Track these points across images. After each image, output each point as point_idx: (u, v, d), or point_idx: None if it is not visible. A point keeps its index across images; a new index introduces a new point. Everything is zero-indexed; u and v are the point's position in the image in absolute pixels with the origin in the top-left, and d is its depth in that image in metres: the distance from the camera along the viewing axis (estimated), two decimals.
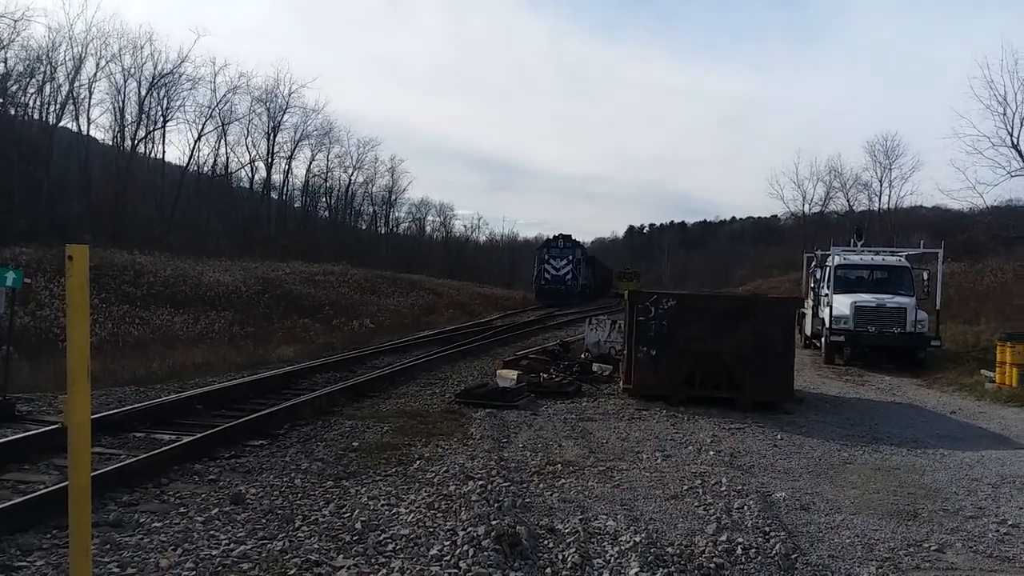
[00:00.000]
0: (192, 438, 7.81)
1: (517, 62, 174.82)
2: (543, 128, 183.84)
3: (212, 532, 5.45)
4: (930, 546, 5.70)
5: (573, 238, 47.70)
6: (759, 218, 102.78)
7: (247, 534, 5.45)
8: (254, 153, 52.77)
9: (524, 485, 6.90)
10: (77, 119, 41.00)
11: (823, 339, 19.01)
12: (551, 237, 48.11)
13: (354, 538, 5.39)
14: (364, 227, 73.96)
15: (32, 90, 37.72)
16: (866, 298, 18.21)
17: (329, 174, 62.11)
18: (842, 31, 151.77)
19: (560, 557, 5.17)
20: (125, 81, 42.09)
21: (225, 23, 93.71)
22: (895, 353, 18.01)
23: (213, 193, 49.48)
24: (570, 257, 45.90)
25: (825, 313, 18.76)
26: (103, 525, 5.46)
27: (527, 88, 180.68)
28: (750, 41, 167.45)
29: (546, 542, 5.44)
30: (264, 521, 5.75)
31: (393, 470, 7.27)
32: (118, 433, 8.38)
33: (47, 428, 7.83)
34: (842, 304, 18.19)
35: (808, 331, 22.13)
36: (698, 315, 11.59)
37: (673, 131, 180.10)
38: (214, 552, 5.07)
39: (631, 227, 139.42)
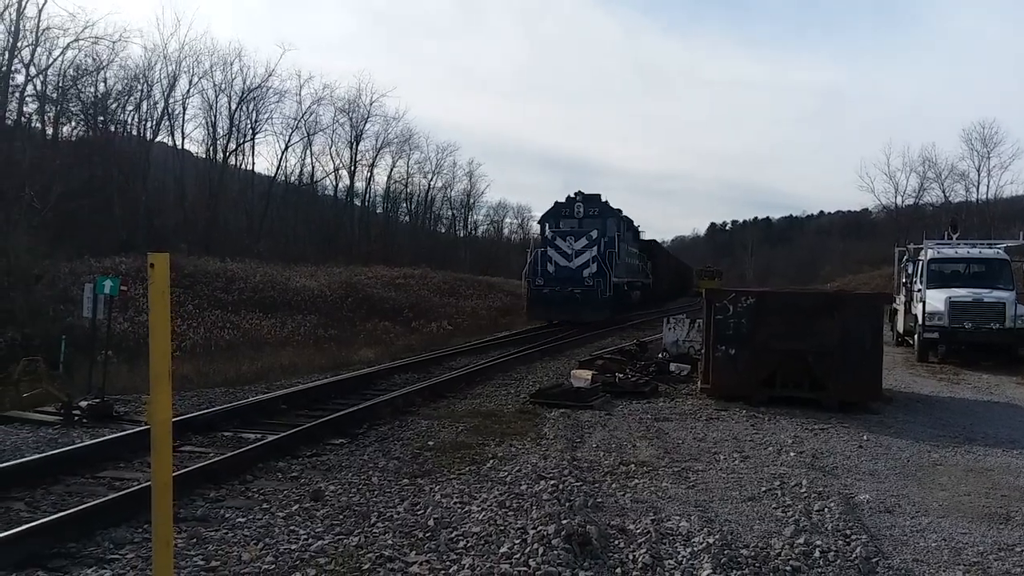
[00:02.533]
0: (276, 437, 8.11)
1: (590, 61, 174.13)
2: (618, 126, 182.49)
3: (292, 527, 5.65)
4: (1022, 550, 5.41)
5: (603, 200, 26.63)
6: (848, 212, 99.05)
7: (325, 529, 5.62)
8: (338, 162, 54.24)
9: (596, 485, 6.88)
10: (172, 134, 43.04)
11: (916, 336, 18.22)
12: (561, 201, 26.87)
13: (427, 535, 5.49)
14: (443, 231, 75.04)
15: (130, 108, 39.81)
16: (961, 293, 17.36)
17: (409, 180, 63.30)
18: (931, 16, 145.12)
19: (630, 557, 5.14)
20: (216, 96, 43.95)
21: (310, 38, 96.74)
22: (993, 350, 17.11)
23: (299, 201, 51.12)
24: (592, 235, 25.29)
25: (918, 309, 17.96)
26: (191, 520, 5.73)
27: (601, 87, 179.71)
28: (833, 31, 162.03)
29: (617, 542, 5.41)
30: (341, 517, 5.92)
31: (467, 469, 7.36)
32: (207, 432, 8.76)
33: (141, 428, 8.26)
34: (936, 299, 17.38)
35: (900, 328, 21.24)
36: (779, 313, 11.29)
37: (754, 125, 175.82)
38: (293, 547, 5.25)
39: (712, 224, 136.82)
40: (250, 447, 7.70)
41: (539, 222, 28.15)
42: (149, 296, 3.48)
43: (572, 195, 26.24)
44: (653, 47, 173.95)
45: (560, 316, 25.12)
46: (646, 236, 36.13)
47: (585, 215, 25.76)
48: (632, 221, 30.95)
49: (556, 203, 26.62)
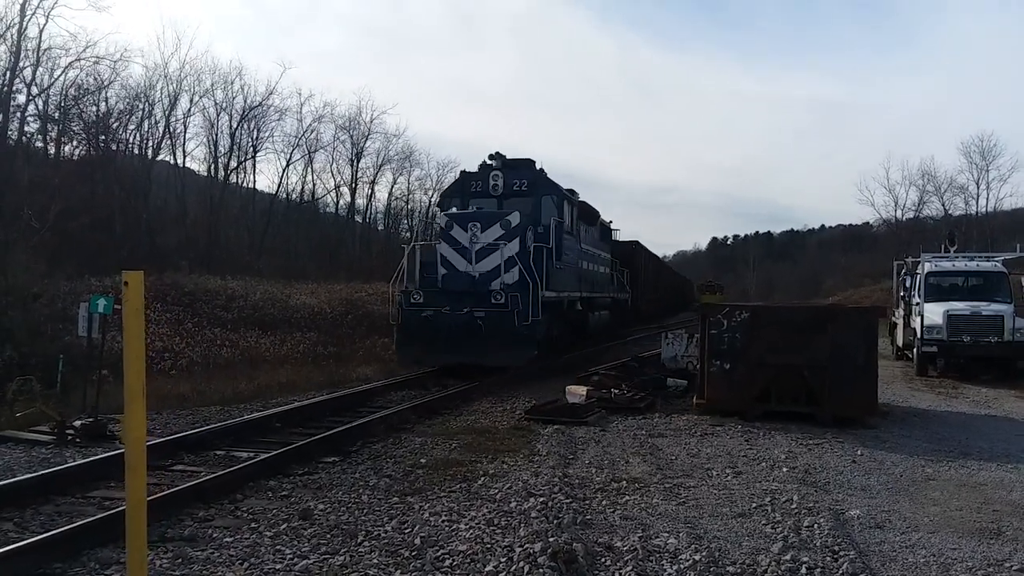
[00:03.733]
0: (267, 455, 8.10)
1: (587, 76, 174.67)
2: (616, 140, 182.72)
3: (278, 547, 5.64)
4: (1012, 565, 5.38)
5: (539, 168, 17.60)
6: (849, 225, 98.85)
7: (311, 549, 5.61)
8: (339, 179, 54.27)
9: (586, 502, 6.86)
10: (174, 152, 43.17)
11: (915, 350, 18.18)
12: (470, 170, 17.79)
13: (413, 554, 5.48)
14: None
15: (132, 127, 40.00)
16: (960, 306, 17.34)
17: (410, 196, 63.31)
18: (928, 29, 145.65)
19: (616, 575, 5.13)
20: (218, 115, 44.09)
21: (310, 55, 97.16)
22: (992, 363, 17.06)
23: (301, 219, 51.19)
24: (512, 222, 15.51)
25: (916, 323, 17.95)
26: (177, 540, 5.73)
27: (598, 101, 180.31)
28: (832, 45, 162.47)
29: (603, 560, 5.39)
30: (329, 536, 5.90)
31: (457, 486, 7.34)
32: (200, 451, 8.75)
33: None
34: (934, 313, 17.36)
35: (900, 342, 21.22)
36: (773, 327, 11.29)
37: (753, 139, 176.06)
38: (278, 566, 5.24)
39: (714, 238, 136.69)
40: (241, 466, 7.69)
41: (438, 203, 19.37)
42: (124, 314, 3.51)
43: (488, 159, 16.87)
44: (650, 61, 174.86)
45: (449, 357, 14.86)
46: (622, 236, 26.38)
47: (507, 191, 16.31)
48: (596, 211, 21.23)
49: (463, 173, 17.30)
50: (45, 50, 32.71)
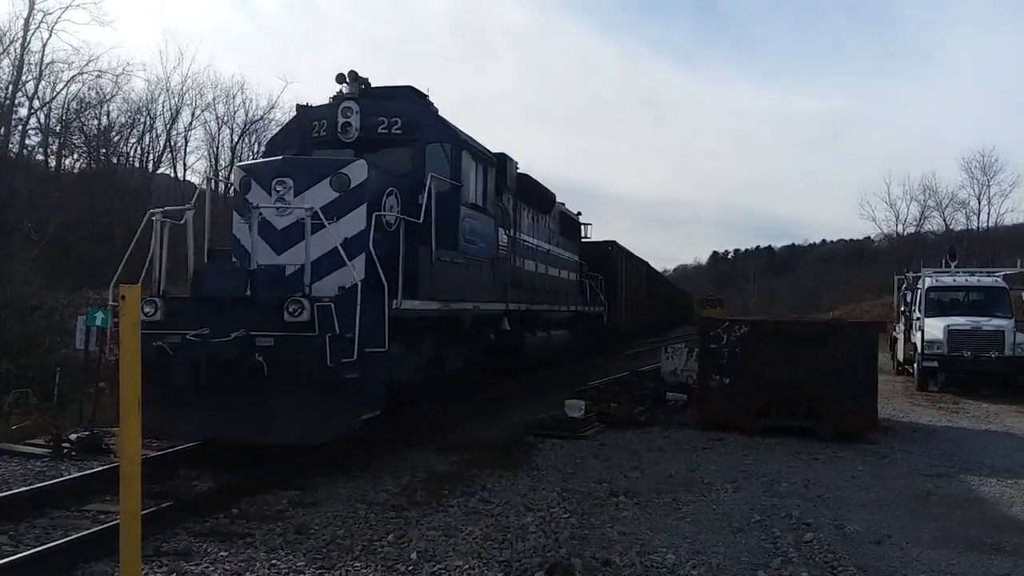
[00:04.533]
0: (265, 468, 8.04)
1: (590, 90, 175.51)
2: (619, 154, 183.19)
3: (274, 561, 5.60)
4: None
5: (424, 102, 10.91)
6: (851, 240, 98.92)
7: (307, 563, 5.57)
8: None
9: (585, 517, 6.82)
10: (174, 165, 43.35)
11: (915, 365, 18.16)
12: (306, 104, 11.01)
13: (409, 568, 5.44)
14: None
15: (133, 140, 40.18)
16: (960, 321, 17.33)
17: None
18: (928, 48, 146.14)
19: None
20: (219, 128, 44.32)
21: (313, 69, 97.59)
22: (993, 379, 17.03)
23: None
24: (355, 180, 8.63)
25: (917, 338, 17.94)
26: (172, 554, 5.68)
27: (600, 115, 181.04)
28: (834, 60, 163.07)
29: (601, 575, 5.35)
30: (325, 551, 5.86)
31: (455, 501, 7.30)
32: (199, 464, 8.69)
33: None
34: (934, 328, 17.35)
35: (900, 357, 21.20)
36: (773, 342, 11.29)
37: (754, 154, 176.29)
38: None
39: (715, 253, 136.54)
40: (239, 478, 7.65)
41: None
42: (120, 329, 3.50)
43: (337, 81, 10.56)
44: (654, 75, 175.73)
45: (205, 426, 7.90)
46: (596, 233, 21.31)
47: (368, 136, 10.18)
48: (551, 194, 16.12)
49: (299, 109, 11.17)
50: (48, 64, 32.95)
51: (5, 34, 31.16)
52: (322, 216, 7.98)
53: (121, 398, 3.43)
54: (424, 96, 11.01)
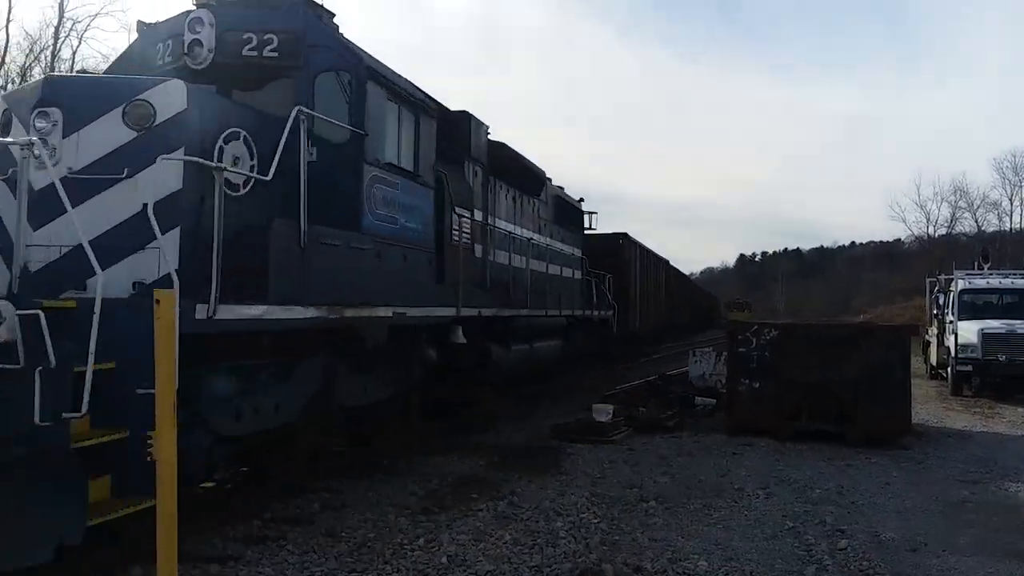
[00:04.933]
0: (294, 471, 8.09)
1: (609, 92, 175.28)
2: (639, 157, 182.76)
3: (306, 565, 5.63)
4: None
5: (311, 10, 7.47)
6: (881, 242, 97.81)
7: (339, 567, 5.60)
8: None
9: (615, 522, 6.79)
10: None
11: (949, 369, 17.87)
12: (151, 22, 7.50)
13: (439, 572, 5.45)
14: None
15: None
16: (995, 324, 17.04)
17: None
18: (955, 45, 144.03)
19: None
20: None
21: None
22: None
23: None
24: (166, 111, 5.61)
25: (950, 341, 17.66)
26: (203, 559, 5.72)
27: (620, 117, 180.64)
28: (859, 59, 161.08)
29: None
30: (356, 554, 5.88)
31: (484, 505, 7.29)
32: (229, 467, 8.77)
33: None
34: (968, 331, 17.07)
35: (934, 361, 20.87)
36: (803, 345, 11.19)
37: (780, 154, 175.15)
38: None
39: (742, 255, 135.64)
40: (270, 484, 7.70)
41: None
42: (156, 332, 3.55)
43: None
44: (674, 76, 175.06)
45: None
46: (601, 224, 18.77)
47: (229, 60, 7.08)
48: (539, 171, 13.95)
49: (140, 27, 7.85)
50: (78, 72, 33.53)
51: (36, 42, 31.76)
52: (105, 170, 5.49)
53: (157, 404, 3.48)
54: (317, 5, 7.72)
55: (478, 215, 10.64)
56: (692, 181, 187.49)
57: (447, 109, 10.14)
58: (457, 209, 9.67)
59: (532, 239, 13.21)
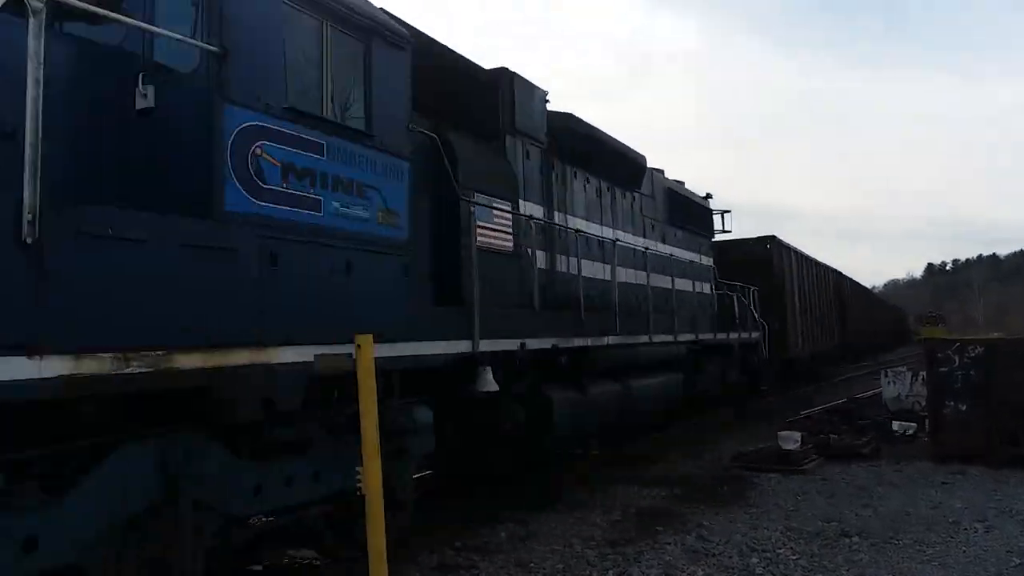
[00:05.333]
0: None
1: (767, 105, 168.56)
2: (803, 168, 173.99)
3: None
4: None
5: None
6: None
7: None
8: None
9: (815, 559, 6.39)
10: None
11: None
12: None
13: None
14: None
15: None
16: None
17: None
18: None
19: None
20: None
21: None
22: None
23: None
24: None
25: None
26: None
27: (780, 130, 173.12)
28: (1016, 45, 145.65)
29: None
30: None
31: (671, 538, 7.10)
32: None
33: None
34: None
35: None
36: (1014, 362, 10.14)
37: (956, 155, 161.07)
38: None
39: (930, 265, 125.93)
40: (452, 514, 7.92)
41: None
42: (358, 375, 3.75)
43: None
44: (833, 83, 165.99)
45: None
46: (732, 224, 17.02)
47: None
48: (640, 157, 11.62)
49: None
50: None
51: None
52: None
53: (364, 442, 3.66)
54: None
55: (529, 208, 8.29)
56: (858, 189, 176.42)
57: (464, 58, 7.88)
58: (481, 197, 7.22)
59: (621, 241, 10.37)
